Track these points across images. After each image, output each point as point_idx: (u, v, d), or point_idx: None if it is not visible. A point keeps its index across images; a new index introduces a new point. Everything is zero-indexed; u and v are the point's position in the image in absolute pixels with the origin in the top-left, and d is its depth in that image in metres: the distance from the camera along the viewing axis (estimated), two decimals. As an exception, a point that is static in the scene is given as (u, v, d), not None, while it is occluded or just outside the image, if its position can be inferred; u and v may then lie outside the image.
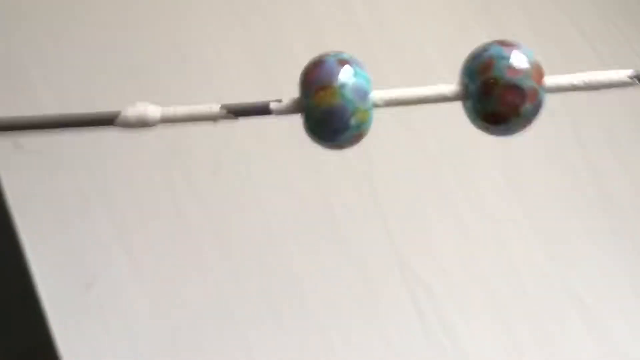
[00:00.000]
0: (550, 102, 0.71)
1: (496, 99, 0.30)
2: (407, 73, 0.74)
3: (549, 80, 0.31)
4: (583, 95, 0.73)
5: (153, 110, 0.30)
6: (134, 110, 0.29)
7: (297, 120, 0.31)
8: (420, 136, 0.73)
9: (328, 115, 0.30)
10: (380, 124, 0.74)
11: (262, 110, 0.30)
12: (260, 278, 0.68)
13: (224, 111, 0.30)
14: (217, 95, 0.72)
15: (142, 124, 0.30)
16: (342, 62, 0.30)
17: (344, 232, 0.70)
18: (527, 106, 0.30)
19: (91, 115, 0.30)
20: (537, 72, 0.30)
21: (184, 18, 0.75)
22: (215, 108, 0.30)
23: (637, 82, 0.31)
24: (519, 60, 0.30)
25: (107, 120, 0.30)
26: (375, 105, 0.31)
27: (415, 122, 0.73)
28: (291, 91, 0.71)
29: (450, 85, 0.32)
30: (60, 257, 0.69)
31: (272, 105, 0.30)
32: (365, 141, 0.72)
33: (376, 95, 0.31)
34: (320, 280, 0.68)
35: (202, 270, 0.69)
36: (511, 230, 0.70)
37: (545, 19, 0.76)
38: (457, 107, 0.75)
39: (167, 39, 0.75)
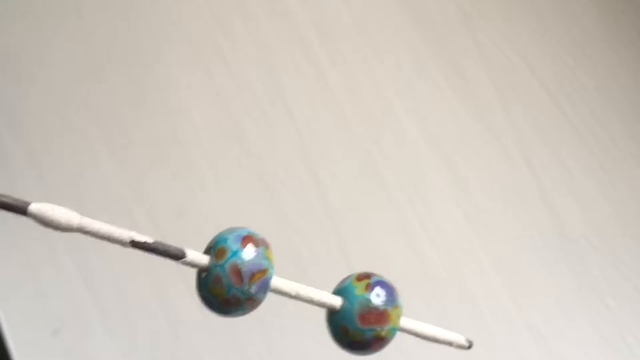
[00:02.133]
0: (502, 136, 0.76)
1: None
2: (366, 115, 0.79)
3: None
4: (535, 131, 0.79)
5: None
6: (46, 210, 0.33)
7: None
8: (378, 171, 0.77)
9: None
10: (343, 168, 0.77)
11: (174, 256, 0.35)
12: (230, 327, 0.73)
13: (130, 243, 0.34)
14: (176, 138, 0.77)
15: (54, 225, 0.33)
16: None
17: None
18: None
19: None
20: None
21: (148, 63, 0.79)
22: (125, 236, 0.34)
23: (467, 347, 0.40)
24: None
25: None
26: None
27: (372, 160, 0.78)
28: (249, 131, 0.74)
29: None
30: (27, 302, 0.72)
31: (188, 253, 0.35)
32: (327, 184, 0.75)
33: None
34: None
35: (170, 311, 0.73)
36: (470, 265, 0.75)
37: (499, 60, 0.81)
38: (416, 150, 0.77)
39: (132, 84, 0.79)
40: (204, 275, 0.35)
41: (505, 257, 0.75)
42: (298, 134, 0.78)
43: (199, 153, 0.77)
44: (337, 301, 0.37)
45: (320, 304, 0.36)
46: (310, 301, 0.36)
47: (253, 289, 0.35)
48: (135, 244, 0.34)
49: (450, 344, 0.39)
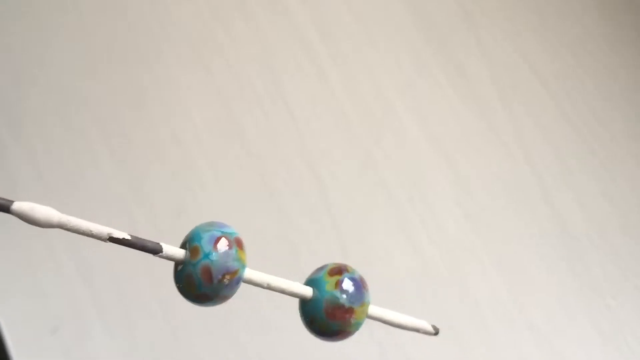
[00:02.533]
0: (504, 134, 0.77)
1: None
2: (367, 114, 0.80)
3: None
4: (537, 129, 0.80)
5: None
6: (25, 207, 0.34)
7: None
8: (378, 170, 0.78)
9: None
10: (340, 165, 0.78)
11: (151, 250, 0.37)
12: (226, 320, 0.73)
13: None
14: (176, 138, 0.78)
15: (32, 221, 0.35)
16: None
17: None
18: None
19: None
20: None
21: (148, 63, 0.80)
22: (104, 232, 0.36)
23: (433, 332, 0.42)
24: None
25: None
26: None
27: (373, 159, 0.79)
28: (249, 131, 0.75)
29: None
30: (26, 301, 0.73)
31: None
32: (328, 183, 0.76)
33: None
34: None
35: (170, 311, 0.73)
36: (471, 264, 0.75)
37: (500, 58, 0.82)
38: (416, 147, 0.78)
39: (132, 84, 0.80)
40: (179, 268, 0.38)
41: (506, 256, 0.76)
42: (298, 134, 0.79)
43: (199, 153, 0.78)
44: (308, 292, 0.39)
45: (292, 294, 0.38)
46: (282, 291, 0.38)
47: (223, 288, 0.37)
48: (113, 239, 0.35)
49: (417, 330, 0.41)
